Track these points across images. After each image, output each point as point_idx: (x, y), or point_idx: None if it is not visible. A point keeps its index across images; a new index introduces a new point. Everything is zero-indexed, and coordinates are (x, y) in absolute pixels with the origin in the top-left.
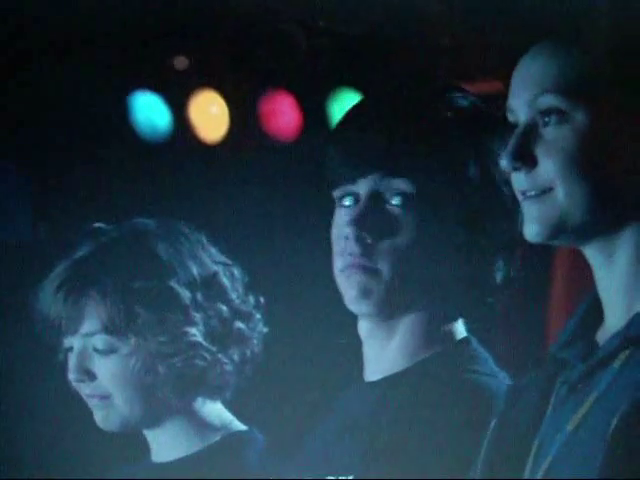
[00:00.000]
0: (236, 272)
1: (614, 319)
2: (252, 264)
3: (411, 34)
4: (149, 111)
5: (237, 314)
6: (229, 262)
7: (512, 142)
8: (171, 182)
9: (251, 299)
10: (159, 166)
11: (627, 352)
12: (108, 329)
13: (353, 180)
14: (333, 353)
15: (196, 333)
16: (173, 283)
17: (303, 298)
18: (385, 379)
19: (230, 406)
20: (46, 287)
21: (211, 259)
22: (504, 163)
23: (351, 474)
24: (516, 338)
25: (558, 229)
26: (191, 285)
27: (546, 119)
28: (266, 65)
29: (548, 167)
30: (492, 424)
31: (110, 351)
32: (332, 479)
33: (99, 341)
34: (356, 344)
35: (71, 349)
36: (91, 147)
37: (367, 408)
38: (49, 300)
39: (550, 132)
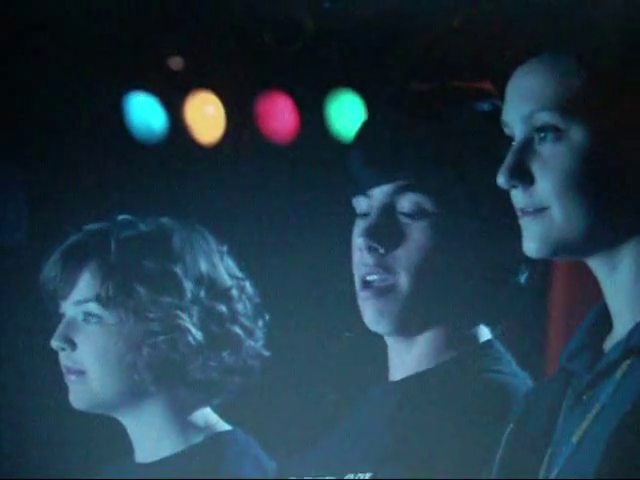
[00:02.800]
0: (248, 288)
1: (622, 329)
2: (248, 263)
3: (418, 21)
4: (145, 112)
5: (237, 321)
6: (243, 277)
7: (508, 159)
8: (167, 183)
9: (258, 319)
10: (155, 167)
11: (628, 362)
12: (100, 298)
13: (369, 189)
14: (349, 355)
15: (187, 319)
16: (178, 271)
17: (304, 297)
18: (407, 379)
19: (248, 410)
20: (53, 254)
21: (227, 271)
22: (501, 180)
23: (370, 474)
24: (514, 346)
25: (557, 246)
26: (197, 280)
27: (542, 135)
28: (273, 53)
29: (544, 186)
30: (508, 429)
31: (96, 321)
32: (351, 478)
33: (89, 309)
34: (376, 347)
35: (64, 316)
36: (86, 148)
37: (388, 407)
38: (51, 264)
39: (546, 149)
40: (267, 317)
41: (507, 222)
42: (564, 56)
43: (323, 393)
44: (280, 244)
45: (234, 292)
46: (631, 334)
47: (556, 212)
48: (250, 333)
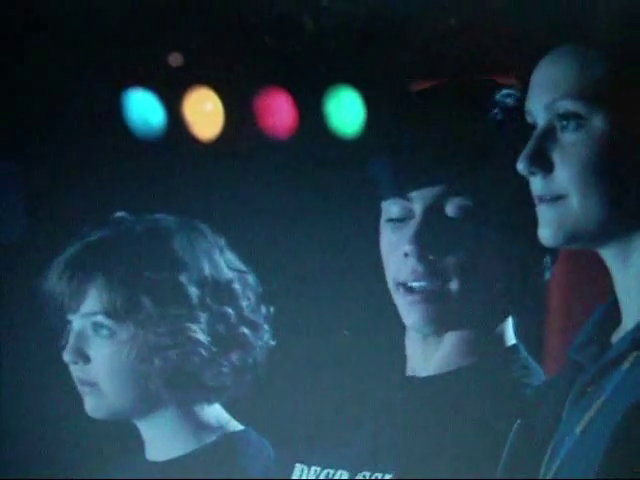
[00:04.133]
0: (251, 280)
1: (630, 321)
2: (247, 257)
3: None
4: (143, 108)
5: (244, 320)
6: (244, 269)
7: (529, 146)
8: (165, 180)
9: (262, 309)
10: (153, 164)
11: (635, 354)
12: (108, 312)
13: (407, 193)
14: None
15: (197, 330)
16: (183, 278)
17: (303, 291)
18: (434, 377)
19: (255, 408)
20: (54, 266)
21: (227, 264)
22: (521, 167)
23: (390, 475)
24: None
25: (572, 235)
26: (201, 284)
27: (564, 123)
28: (271, 50)
29: (563, 174)
30: (515, 425)
31: (107, 334)
32: (368, 477)
33: (98, 322)
34: (382, 340)
35: (71, 329)
36: (84, 145)
37: (411, 404)
38: (55, 278)
39: (567, 137)
40: (271, 309)
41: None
42: (587, 47)
43: (330, 387)
44: (279, 239)
45: (237, 287)
46: (638, 327)
47: (574, 200)
48: (256, 329)
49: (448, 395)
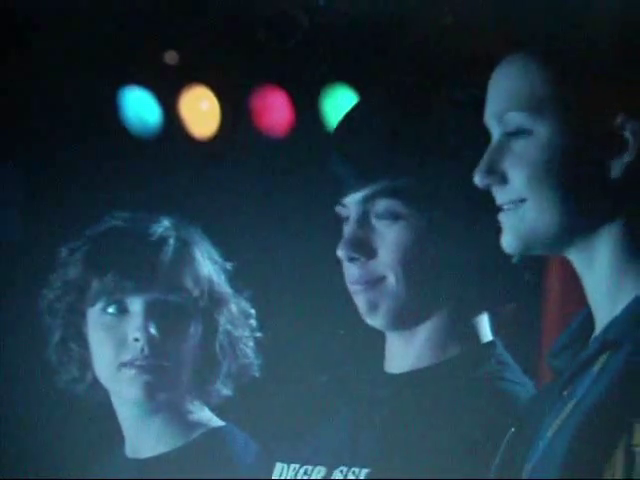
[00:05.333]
0: (239, 286)
1: (601, 324)
2: (242, 260)
3: (412, 14)
4: (139, 107)
5: (237, 325)
6: (232, 270)
7: (484, 159)
8: (161, 178)
9: (251, 318)
10: (149, 162)
11: (605, 356)
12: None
13: (344, 198)
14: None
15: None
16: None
17: (299, 291)
18: (410, 373)
19: (236, 404)
20: (73, 254)
21: (221, 268)
22: (477, 180)
23: (366, 470)
24: (513, 347)
25: (530, 240)
26: (201, 288)
27: (513, 133)
28: (267, 48)
29: (518, 180)
30: (509, 433)
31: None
32: (345, 472)
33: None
34: (372, 340)
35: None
36: (80, 143)
37: (388, 400)
38: (71, 264)
39: (518, 146)
40: (254, 312)
41: (480, 214)
42: (534, 56)
43: (316, 385)
44: (274, 238)
45: (229, 292)
46: (608, 328)
47: (530, 204)
48: (251, 330)
49: (422, 391)
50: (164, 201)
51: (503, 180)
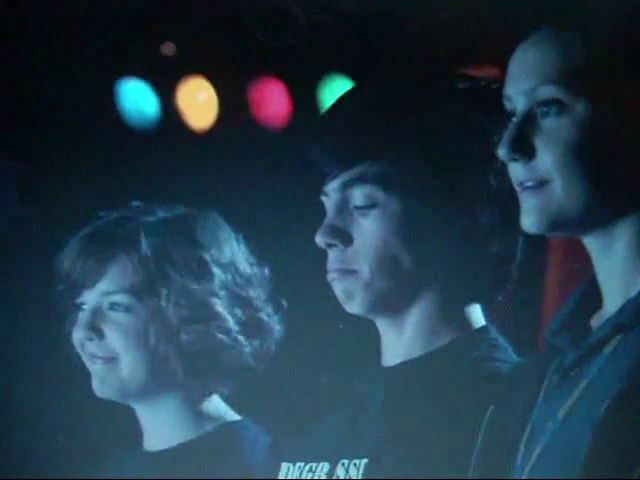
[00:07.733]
0: (266, 272)
1: (612, 306)
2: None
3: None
4: (137, 98)
5: (262, 308)
6: (255, 262)
7: (510, 132)
8: (159, 170)
9: (274, 304)
10: (147, 154)
11: (618, 338)
12: (133, 289)
13: (325, 183)
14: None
15: (220, 305)
16: (207, 257)
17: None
18: (402, 364)
19: (239, 395)
20: (73, 243)
21: (244, 255)
22: (502, 153)
23: (365, 460)
24: (511, 326)
25: (555, 221)
26: (223, 267)
27: (545, 109)
28: (266, 45)
29: (546, 159)
30: (489, 410)
31: (124, 310)
32: (346, 464)
33: (117, 301)
34: (369, 330)
35: (82, 306)
36: (78, 134)
37: (382, 392)
38: (74, 254)
39: (549, 123)
40: (284, 303)
41: (458, 202)
42: (569, 31)
43: (317, 377)
44: (272, 230)
45: (255, 277)
46: (622, 310)
47: (557, 185)
48: (271, 318)
49: (415, 381)
50: (162, 192)
51: (531, 156)
